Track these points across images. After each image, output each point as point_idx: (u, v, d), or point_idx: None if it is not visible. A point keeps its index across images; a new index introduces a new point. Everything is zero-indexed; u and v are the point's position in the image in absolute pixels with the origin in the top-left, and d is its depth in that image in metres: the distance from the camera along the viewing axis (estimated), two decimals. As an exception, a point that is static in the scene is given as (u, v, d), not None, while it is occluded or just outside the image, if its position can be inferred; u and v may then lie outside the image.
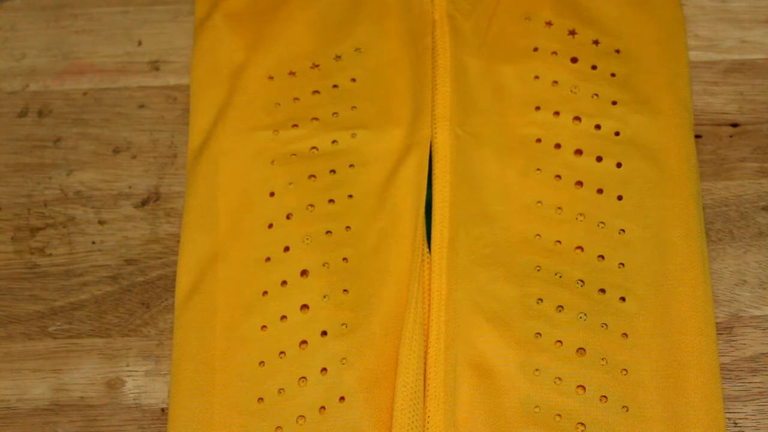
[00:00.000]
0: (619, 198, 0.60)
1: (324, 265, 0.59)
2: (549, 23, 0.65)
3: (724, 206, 0.62)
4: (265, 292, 0.58)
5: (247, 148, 0.62)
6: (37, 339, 0.61)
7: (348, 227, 0.60)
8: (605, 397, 0.55)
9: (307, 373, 0.56)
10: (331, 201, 0.60)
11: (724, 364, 0.58)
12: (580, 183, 0.60)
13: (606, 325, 0.56)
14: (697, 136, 0.64)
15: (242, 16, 0.65)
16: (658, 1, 0.65)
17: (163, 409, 0.58)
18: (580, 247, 0.58)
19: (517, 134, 0.62)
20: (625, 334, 0.56)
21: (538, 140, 0.62)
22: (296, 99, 0.64)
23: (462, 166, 0.60)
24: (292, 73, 0.65)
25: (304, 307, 0.58)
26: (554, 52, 0.64)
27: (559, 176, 0.60)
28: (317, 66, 0.65)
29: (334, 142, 0.62)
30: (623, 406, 0.54)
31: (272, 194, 0.61)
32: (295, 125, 0.63)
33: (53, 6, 0.70)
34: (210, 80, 0.65)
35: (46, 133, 0.66)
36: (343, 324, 0.57)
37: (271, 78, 0.65)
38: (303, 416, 0.55)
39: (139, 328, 0.60)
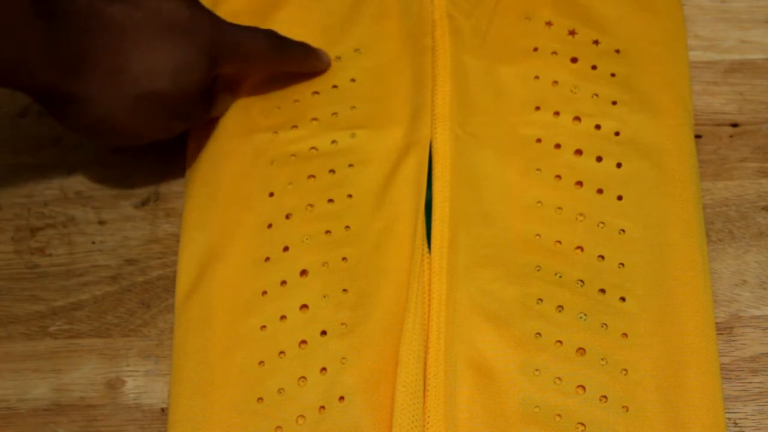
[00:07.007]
0: (619, 198, 0.60)
1: (323, 264, 0.58)
2: (549, 23, 0.65)
3: (724, 206, 0.62)
4: (265, 292, 0.58)
5: (246, 150, 0.62)
6: (37, 339, 0.60)
7: (347, 227, 0.59)
8: (605, 397, 0.55)
9: (306, 373, 0.56)
10: (330, 201, 0.60)
11: (724, 364, 0.58)
12: (580, 183, 0.60)
13: (606, 325, 0.56)
14: (697, 136, 0.64)
15: (242, 16, 0.65)
16: (658, 1, 0.65)
17: (163, 409, 0.58)
18: (580, 247, 0.58)
19: (517, 134, 0.62)
20: (625, 334, 0.56)
21: (538, 140, 0.61)
22: (296, 101, 0.64)
23: (462, 166, 0.60)
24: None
25: (304, 306, 0.58)
26: (554, 52, 0.64)
27: (559, 176, 0.60)
28: (317, 67, 0.65)
29: (333, 142, 0.62)
30: (623, 406, 0.54)
31: (272, 194, 0.61)
32: (294, 126, 0.63)
33: (53, 6, 0.70)
34: (209, 81, 0.65)
35: (46, 133, 0.66)
36: (342, 323, 0.57)
37: (271, 79, 0.64)
38: (303, 416, 0.55)
39: (139, 328, 0.60)
